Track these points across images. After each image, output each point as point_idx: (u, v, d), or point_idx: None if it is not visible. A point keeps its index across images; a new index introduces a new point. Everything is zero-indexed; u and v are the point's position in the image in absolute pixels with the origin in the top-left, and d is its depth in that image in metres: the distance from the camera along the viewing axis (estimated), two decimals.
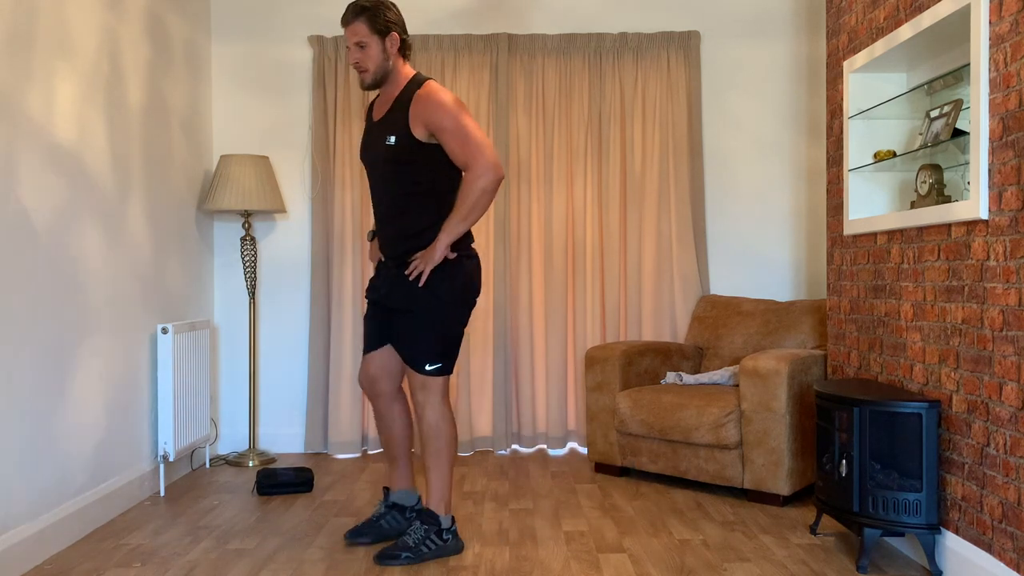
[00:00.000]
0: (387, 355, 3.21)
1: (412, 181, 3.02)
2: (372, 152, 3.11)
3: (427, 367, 3.05)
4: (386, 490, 3.31)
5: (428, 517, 3.08)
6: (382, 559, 3.02)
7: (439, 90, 2.98)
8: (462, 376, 4.80)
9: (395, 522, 3.26)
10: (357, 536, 3.24)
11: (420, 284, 2.99)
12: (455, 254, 3.03)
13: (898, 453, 2.94)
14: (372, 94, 4.81)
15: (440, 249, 2.97)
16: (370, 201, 4.81)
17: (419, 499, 3.32)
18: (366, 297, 3.26)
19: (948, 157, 3.12)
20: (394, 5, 3.05)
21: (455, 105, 2.95)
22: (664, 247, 4.81)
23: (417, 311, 3.04)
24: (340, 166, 4.83)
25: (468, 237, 3.11)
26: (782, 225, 4.91)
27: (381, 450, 4.88)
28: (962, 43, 2.98)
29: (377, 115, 3.12)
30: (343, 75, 4.83)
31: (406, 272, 3.02)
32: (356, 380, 4.79)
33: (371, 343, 3.22)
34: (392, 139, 2.99)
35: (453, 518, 3.14)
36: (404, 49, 3.06)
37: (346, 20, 3.00)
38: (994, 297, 2.57)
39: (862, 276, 3.43)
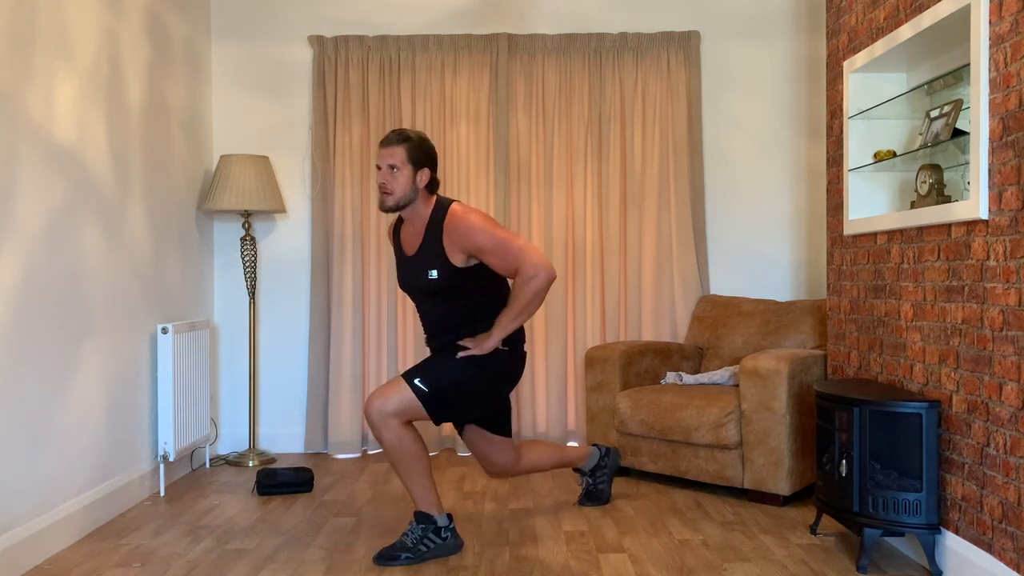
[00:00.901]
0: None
1: (463, 303, 3.07)
2: (414, 284, 3.11)
3: (416, 381, 2.99)
4: (449, 516, 3.16)
5: (423, 517, 3.08)
6: (381, 560, 3.02)
7: (467, 213, 3.00)
8: None
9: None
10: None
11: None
12: (507, 348, 3.09)
13: (898, 453, 2.94)
14: (375, 97, 4.81)
15: (492, 343, 3.01)
16: (370, 201, 4.83)
17: (450, 516, 3.17)
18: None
19: (948, 157, 3.12)
20: (434, 147, 3.09)
21: (486, 223, 2.98)
22: (664, 247, 4.81)
23: (451, 359, 3.05)
24: (340, 166, 4.83)
25: (521, 334, 3.14)
26: (782, 225, 4.91)
27: (381, 450, 4.87)
28: (962, 43, 2.98)
29: (409, 248, 3.13)
30: (343, 75, 4.83)
31: (458, 355, 3.04)
32: (356, 380, 4.80)
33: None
34: (434, 273, 3.01)
35: (450, 516, 3.13)
36: (432, 186, 3.07)
37: (387, 142, 3.03)
38: (994, 297, 2.57)
39: (862, 276, 3.43)
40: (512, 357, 3.13)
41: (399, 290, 4.84)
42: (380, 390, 3.01)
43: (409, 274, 3.12)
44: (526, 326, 4.82)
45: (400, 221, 3.21)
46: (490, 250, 2.96)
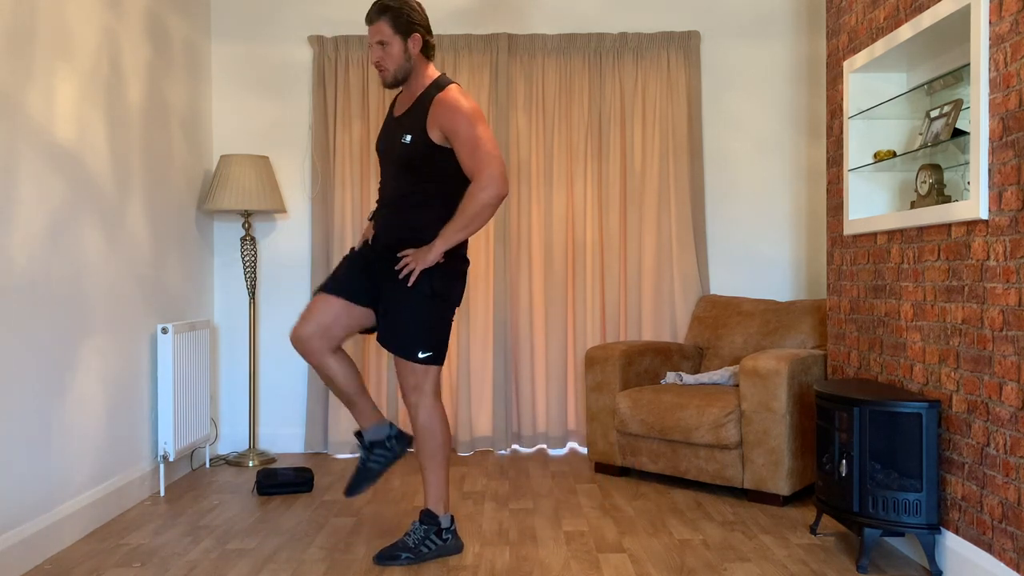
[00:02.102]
0: (340, 313, 3.06)
1: (422, 180, 3.02)
2: (387, 145, 3.11)
3: (420, 355, 3.00)
4: (359, 434, 3.21)
5: (427, 517, 3.08)
6: (382, 559, 3.02)
7: (459, 96, 2.98)
8: (462, 376, 4.80)
9: (382, 458, 3.18)
10: (355, 490, 3.17)
11: (409, 283, 2.97)
12: (443, 259, 3.02)
13: (898, 453, 2.94)
14: (375, 96, 4.81)
15: (434, 254, 2.96)
16: (370, 201, 4.82)
17: (391, 425, 3.21)
18: (352, 247, 3.17)
19: (948, 157, 3.12)
20: (419, 6, 3.04)
21: (472, 113, 2.96)
22: (664, 247, 4.81)
23: (406, 302, 3.01)
24: (340, 166, 4.83)
25: (463, 244, 3.09)
26: (782, 225, 4.91)
27: None
28: (962, 43, 2.98)
29: (398, 111, 3.13)
30: (343, 75, 4.83)
31: (396, 267, 3.00)
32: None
33: (335, 287, 3.08)
34: (408, 138, 3.00)
35: (452, 517, 3.13)
36: (427, 50, 3.05)
37: (369, 18, 3.01)
38: (994, 297, 2.57)
39: (862, 276, 3.43)
40: (454, 265, 3.05)
41: None
42: (411, 395, 3.04)
43: (387, 134, 3.11)
44: (525, 320, 4.82)
45: (401, 91, 3.20)
46: (463, 138, 2.94)
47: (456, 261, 3.06)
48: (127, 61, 3.81)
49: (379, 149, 3.16)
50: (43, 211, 3.14)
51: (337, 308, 3.06)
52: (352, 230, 4.81)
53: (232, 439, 4.91)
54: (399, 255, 3.01)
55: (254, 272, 4.69)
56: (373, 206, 4.83)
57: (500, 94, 4.82)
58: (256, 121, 4.93)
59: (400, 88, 3.13)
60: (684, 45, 4.84)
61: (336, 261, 4.80)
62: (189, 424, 4.20)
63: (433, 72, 3.09)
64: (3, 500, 2.89)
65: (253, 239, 4.68)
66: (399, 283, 3.00)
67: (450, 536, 3.11)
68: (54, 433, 3.20)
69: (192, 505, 3.81)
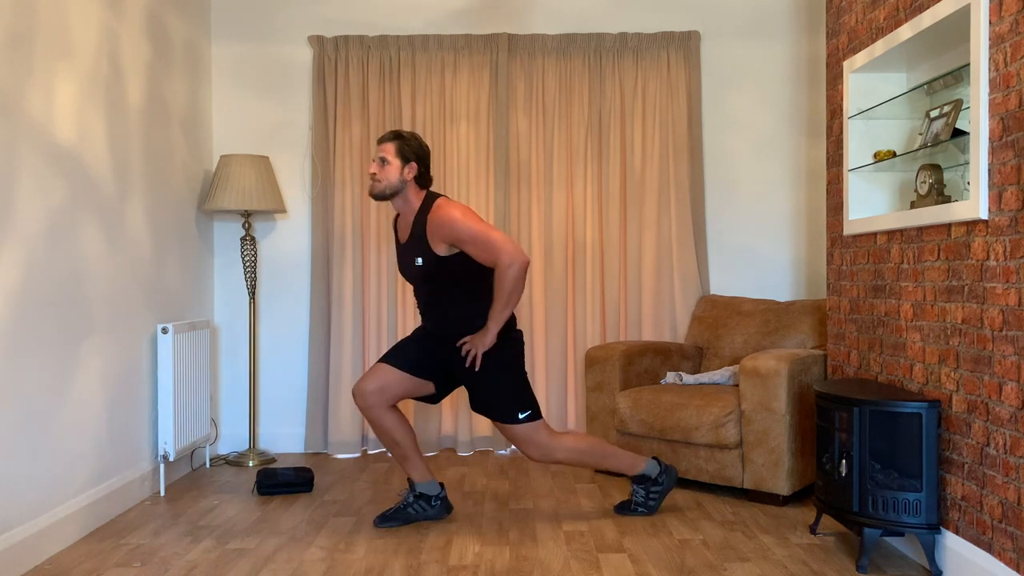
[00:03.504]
0: (401, 379, 3.42)
1: (449, 287, 3.36)
2: (406, 269, 3.42)
3: (520, 416, 3.37)
4: (411, 482, 3.51)
5: (640, 479, 3.57)
6: (622, 510, 3.62)
7: (448, 207, 3.29)
8: None
9: (423, 510, 3.50)
10: (386, 522, 3.47)
11: (476, 368, 3.33)
12: (500, 338, 3.37)
13: (898, 453, 2.95)
14: (374, 98, 4.81)
15: (490, 337, 3.30)
16: (370, 200, 4.83)
17: (442, 486, 3.55)
18: (423, 327, 3.53)
19: (948, 157, 3.12)
20: (426, 145, 3.40)
21: (465, 216, 3.26)
22: (664, 247, 4.81)
23: (485, 379, 3.37)
24: (340, 166, 4.83)
25: (512, 319, 3.43)
26: (782, 225, 4.91)
27: (381, 449, 4.88)
28: (962, 43, 2.98)
29: (402, 237, 3.44)
30: (343, 75, 4.83)
31: (461, 355, 3.35)
32: (356, 380, 4.79)
33: (399, 360, 3.44)
34: (419, 261, 3.32)
35: (662, 466, 3.59)
36: (421, 180, 3.38)
37: (382, 139, 3.38)
38: (994, 297, 2.57)
39: (862, 276, 3.43)
40: (514, 339, 3.42)
41: (399, 290, 4.84)
42: (530, 450, 3.41)
43: (402, 260, 3.44)
44: (525, 320, 4.82)
45: (398, 216, 3.50)
46: (469, 241, 3.24)
47: (510, 332, 3.40)
48: (127, 61, 3.81)
49: (402, 273, 3.47)
50: (43, 211, 3.14)
51: (398, 375, 3.42)
52: (352, 230, 4.81)
53: (232, 439, 4.91)
54: (458, 344, 3.36)
55: (254, 272, 4.69)
56: (374, 206, 4.84)
57: (500, 94, 4.82)
58: (256, 121, 4.93)
59: (396, 213, 3.46)
60: (684, 45, 4.84)
61: (336, 261, 4.80)
62: (189, 424, 4.20)
63: (421, 195, 3.39)
64: (3, 500, 2.89)
65: (253, 239, 4.68)
66: (468, 367, 3.36)
67: (664, 481, 3.59)
68: (54, 433, 3.20)
69: (192, 505, 3.81)
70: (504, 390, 3.38)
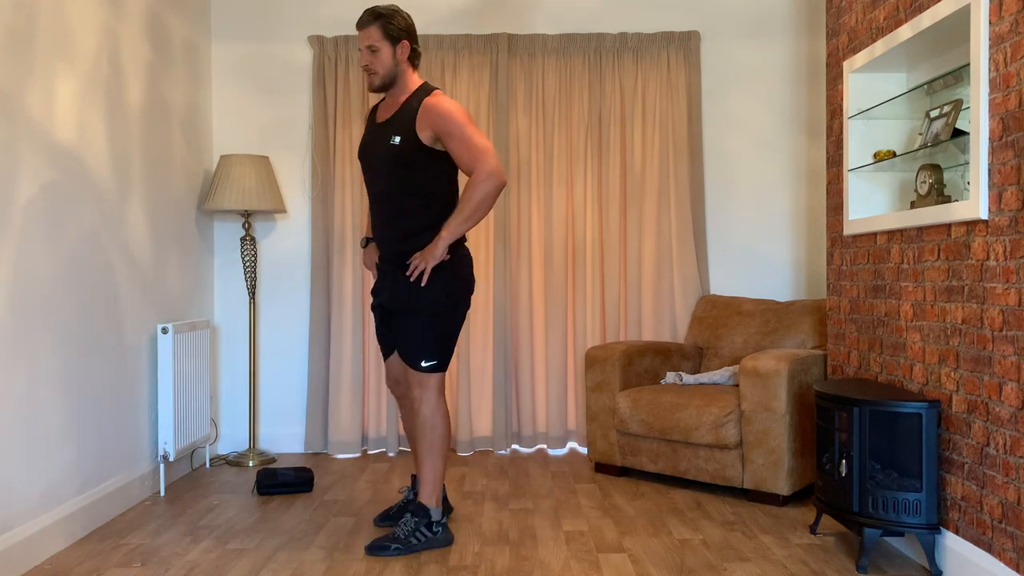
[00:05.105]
0: (399, 363, 3.35)
1: (412, 183, 3.13)
2: (373, 151, 3.20)
3: (423, 364, 3.17)
4: (414, 478, 3.43)
5: (418, 510, 3.16)
6: (372, 550, 3.09)
7: (447, 99, 3.11)
8: (462, 375, 4.80)
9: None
10: (385, 520, 3.41)
11: (422, 283, 3.08)
12: (449, 255, 3.13)
13: (898, 453, 2.95)
14: (375, 97, 4.81)
15: (441, 247, 3.06)
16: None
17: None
18: (372, 308, 3.38)
19: (948, 157, 3.12)
20: (408, 15, 3.16)
21: (461, 114, 3.07)
22: (664, 247, 4.81)
23: (417, 310, 3.14)
24: (340, 166, 4.83)
25: (462, 237, 3.18)
26: (782, 225, 4.91)
27: (382, 449, 4.88)
28: (962, 43, 2.98)
29: (382, 117, 3.22)
30: (343, 75, 4.83)
31: (407, 273, 3.11)
32: (356, 379, 4.80)
33: (386, 349, 3.40)
34: (397, 139, 3.09)
35: (444, 511, 3.20)
36: (413, 57, 3.17)
37: (361, 23, 3.12)
38: (994, 297, 2.57)
39: (862, 276, 3.43)
40: (459, 260, 3.17)
41: None
42: (416, 393, 3.17)
43: (373, 139, 3.20)
44: (525, 320, 4.82)
45: (381, 100, 3.30)
46: (457, 136, 3.04)
47: (460, 254, 3.16)
48: (127, 61, 3.81)
49: (363, 157, 3.24)
50: (43, 211, 3.14)
51: (395, 361, 3.36)
52: (352, 230, 4.81)
53: (232, 439, 4.91)
54: (407, 262, 3.13)
55: (254, 272, 4.69)
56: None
57: (500, 94, 4.82)
58: (256, 121, 4.93)
59: (383, 96, 3.22)
60: (684, 45, 4.84)
61: (336, 261, 4.80)
62: (189, 424, 4.20)
63: (417, 80, 3.22)
64: (3, 500, 2.89)
65: (253, 239, 4.68)
66: (410, 292, 3.13)
67: (440, 529, 3.17)
68: (54, 433, 3.20)
69: (192, 505, 3.81)
70: (426, 331, 3.13)
